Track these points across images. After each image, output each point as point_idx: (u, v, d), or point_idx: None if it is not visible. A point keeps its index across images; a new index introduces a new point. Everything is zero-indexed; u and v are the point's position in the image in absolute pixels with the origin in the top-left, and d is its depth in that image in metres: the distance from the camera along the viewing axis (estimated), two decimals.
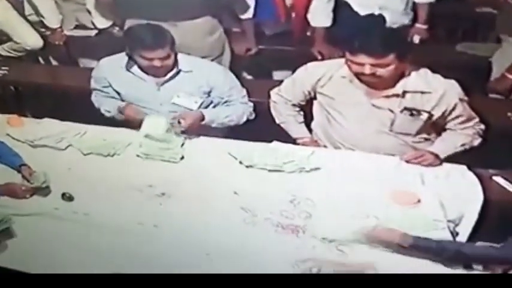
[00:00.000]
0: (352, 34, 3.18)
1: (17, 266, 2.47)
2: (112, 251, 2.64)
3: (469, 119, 3.27)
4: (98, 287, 2.11)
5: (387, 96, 3.22)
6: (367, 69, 3.10)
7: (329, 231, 2.71)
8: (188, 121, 3.45)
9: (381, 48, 3.05)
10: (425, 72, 3.22)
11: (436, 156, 3.22)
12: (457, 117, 3.24)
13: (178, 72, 3.59)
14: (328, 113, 3.45)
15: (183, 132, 3.48)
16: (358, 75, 3.19)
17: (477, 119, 3.30)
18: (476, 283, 2.06)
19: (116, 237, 2.74)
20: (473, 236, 2.87)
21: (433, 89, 3.17)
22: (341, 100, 3.36)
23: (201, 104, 3.63)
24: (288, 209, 2.92)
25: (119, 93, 3.72)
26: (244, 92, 3.77)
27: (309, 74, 3.47)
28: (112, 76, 3.69)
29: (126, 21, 4.29)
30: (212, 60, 4.12)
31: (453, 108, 3.20)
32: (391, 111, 3.24)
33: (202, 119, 3.54)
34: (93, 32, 5.06)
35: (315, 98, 3.52)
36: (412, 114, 3.22)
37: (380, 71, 3.09)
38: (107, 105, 3.74)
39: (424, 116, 3.22)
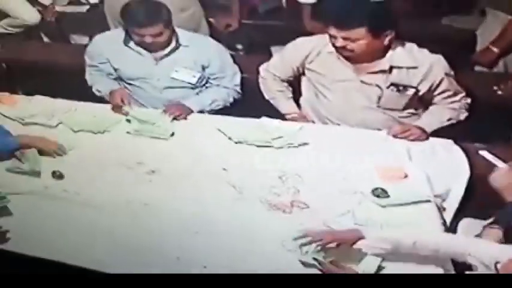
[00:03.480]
0: (332, 8, 3.18)
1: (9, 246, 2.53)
2: (102, 229, 2.66)
3: (455, 94, 3.29)
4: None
5: (374, 72, 3.23)
6: (338, 42, 3.13)
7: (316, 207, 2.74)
8: (177, 115, 3.48)
9: (348, 22, 3.08)
10: (411, 46, 3.22)
11: (423, 130, 3.24)
12: (443, 91, 3.25)
13: (177, 47, 3.60)
14: (316, 89, 3.46)
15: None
16: (337, 50, 3.21)
17: (463, 93, 3.32)
18: (476, 283, 2.03)
19: (106, 215, 2.76)
20: (460, 211, 2.90)
21: (419, 64, 3.18)
22: (329, 76, 3.37)
23: (199, 78, 3.63)
24: (277, 185, 2.93)
25: (116, 70, 3.72)
26: (237, 69, 3.76)
27: (297, 49, 3.47)
28: (110, 51, 3.69)
29: None
30: None
31: (439, 83, 3.22)
32: (379, 87, 3.25)
33: (190, 111, 3.54)
34: (85, 8, 5.04)
35: (303, 73, 3.53)
36: (398, 90, 3.23)
37: (351, 45, 3.12)
38: (99, 85, 3.75)
39: (411, 91, 3.23)
